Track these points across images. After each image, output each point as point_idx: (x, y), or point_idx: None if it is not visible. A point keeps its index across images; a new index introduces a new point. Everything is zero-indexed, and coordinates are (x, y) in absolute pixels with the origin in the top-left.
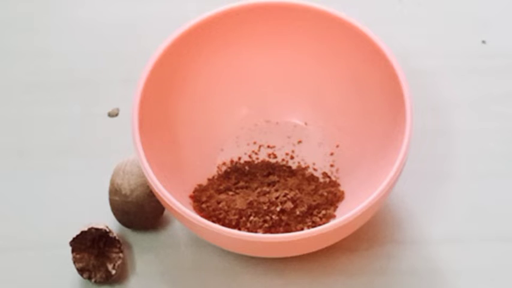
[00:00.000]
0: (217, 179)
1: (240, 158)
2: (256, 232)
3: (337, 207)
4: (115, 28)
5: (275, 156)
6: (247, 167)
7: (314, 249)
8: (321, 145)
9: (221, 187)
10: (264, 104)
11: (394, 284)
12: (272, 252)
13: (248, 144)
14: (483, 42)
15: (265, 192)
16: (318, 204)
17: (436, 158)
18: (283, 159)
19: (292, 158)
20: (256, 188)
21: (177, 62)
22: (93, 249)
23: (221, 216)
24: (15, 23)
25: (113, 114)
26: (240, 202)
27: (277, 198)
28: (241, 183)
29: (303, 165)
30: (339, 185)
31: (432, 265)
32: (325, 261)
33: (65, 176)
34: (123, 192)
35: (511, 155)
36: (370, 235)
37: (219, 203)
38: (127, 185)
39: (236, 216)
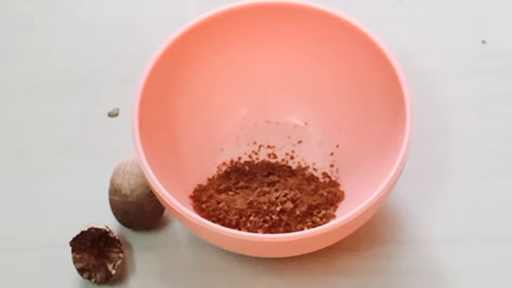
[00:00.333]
0: (217, 179)
1: (240, 158)
2: (256, 232)
3: (337, 207)
4: (115, 28)
5: (275, 156)
6: (247, 167)
7: (314, 249)
8: (321, 145)
9: (221, 187)
10: (264, 104)
11: (394, 284)
12: (272, 252)
13: (248, 144)
14: (483, 42)
15: (265, 192)
16: (318, 204)
17: (436, 158)
18: (283, 159)
19: (292, 158)
20: (256, 188)
21: (177, 62)
22: (93, 249)
23: (221, 216)
24: (15, 23)
25: (113, 114)
26: (240, 202)
27: (277, 198)
28: (241, 183)
29: (303, 165)
30: (339, 185)
31: (432, 265)
32: (325, 261)
33: (65, 176)
34: (123, 192)
35: (511, 155)
36: (370, 235)
37: (219, 203)
38: (127, 185)
39: (236, 216)
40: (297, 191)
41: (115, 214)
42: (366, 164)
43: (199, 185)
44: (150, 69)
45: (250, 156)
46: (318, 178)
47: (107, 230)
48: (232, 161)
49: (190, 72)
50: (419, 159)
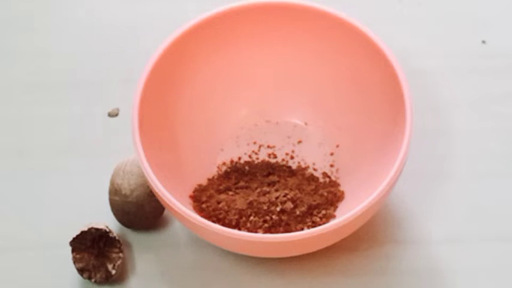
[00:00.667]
0: (217, 179)
1: (240, 158)
2: (256, 232)
3: (337, 207)
4: (115, 28)
5: (275, 156)
6: (247, 167)
7: (314, 249)
8: (321, 145)
9: (221, 187)
10: (264, 104)
11: (394, 284)
12: (272, 252)
13: (248, 144)
14: (483, 42)
15: (265, 192)
16: (318, 204)
17: (436, 158)
18: (283, 159)
19: (292, 158)
20: (256, 188)
21: (177, 62)
22: (93, 249)
23: (221, 216)
24: (15, 23)
25: (113, 114)
26: (240, 202)
27: (277, 198)
28: (241, 183)
29: (303, 165)
30: (339, 185)
31: (432, 265)
32: (325, 261)
33: (65, 176)
34: (123, 192)
35: (511, 155)
36: (370, 235)
37: (219, 203)
38: (127, 185)
39: (236, 216)
40: (297, 191)
41: (115, 214)
42: (366, 164)
43: (199, 185)
44: (150, 69)
45: (250, 156)
46: (318, 178)
47: (107, 230)
48: (232, 161)
49: (190, 72)
50: (419, 159)
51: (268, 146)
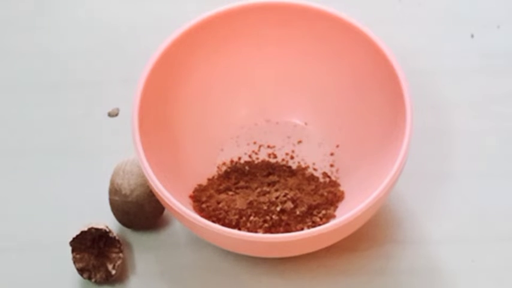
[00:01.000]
0: (217, 179)
1: (240, 158)
2: (256, 232)
3: (337, 207)
4: (115, 28)
5: (275, 156)
6: (247, 167)
7: (314, 249)
8: (321, 145)
9: (221, 187)
10: (264, 104)
11: (394, 284)
12: (272, 252)
13: (248, 144)
14: (483, 42)
15: (265, 192)
16: (318, 204)
17: (436, 158)
18: (283, 159)
19: (292, 158)
20: (256, 188)
21: (177, 62)
22: (93, 249)
23: (221, 216)
24: (16, 23)
25: (113, 114)
26: (240, 202)
27: (277, 198)
28: (241, 183)
29: (303, 165)
30: (339, 185)
31: (432, 265)
32: (325, 261)
33: (65, 176)
34: (123, 192)
35: (511, 155)
36: (370, 235)
37: (219, 203)
38: (127, 185)
39: (236, 216)
40: (297, 191)
41: (115, 214)
42: (365, 164)
43: (199, 185)
44: (150, 69)
45: (250, 156)
46: (318, 178)
47: (107, 230)
48: (232, 161)
49: (190, 72)
50: (419, 159)
51: (268, 146)
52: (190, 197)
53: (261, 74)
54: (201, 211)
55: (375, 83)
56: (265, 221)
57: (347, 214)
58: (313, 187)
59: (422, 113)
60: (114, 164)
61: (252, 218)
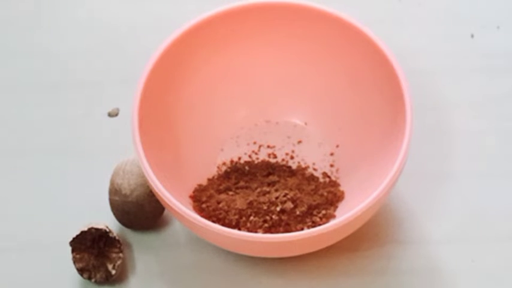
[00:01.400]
0: (217, 179)
1: (240, 158)
2: (256, 232)
3: (337, 207)
4: (115, 28)
5: (275, 156)
6: (247, 167)
7: (314, 249)
8: (321, 145)
9: (221, 187)
10: (264, 104)
11: (395, 284)
12: (272, 252)
13: (248, 144)
14: (483, 42)
15: (265, 192)
16: (318, 204)
17: (436, 158)
18: (283, 159)
19: (292, 158)
20: (256, 188)
21: (177, 62)
22: (93, 249)
23: (221, 216)
24: (16, 23)
25: (113, 114)
26: (240, 202)
27: (277, 198)
28: (241, 183)
29: (303, 165)
30: (339, 185)
31: (432, 265)
32: (325, 261)
33: (65, 176)
34: (123, 192)
35: (511, 155)
36: (371, 235)
37: (219, 203)
38: (127, 185)
39: (236, 216)
40: (297, 191)
41: (115, 214)
42: (365, 164)
43: (199, 185)
44: (150, 69)
45: (250, 156)
46: (318, 178)
47: (107, 230)
48: (232, 161)
49: (190, 72)
50: (419, 159)
51: (268, 146)
52: (190, 197)
53: (261, 74)
54: (201, 211)
55: (374, 83)
56: (265, 221)
57: (347, 214)
58: (313, 187)
59: (422, 113)
60: (114, 164)
61: (252, 218)
